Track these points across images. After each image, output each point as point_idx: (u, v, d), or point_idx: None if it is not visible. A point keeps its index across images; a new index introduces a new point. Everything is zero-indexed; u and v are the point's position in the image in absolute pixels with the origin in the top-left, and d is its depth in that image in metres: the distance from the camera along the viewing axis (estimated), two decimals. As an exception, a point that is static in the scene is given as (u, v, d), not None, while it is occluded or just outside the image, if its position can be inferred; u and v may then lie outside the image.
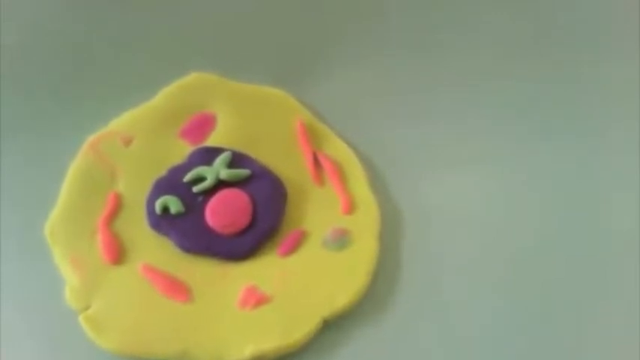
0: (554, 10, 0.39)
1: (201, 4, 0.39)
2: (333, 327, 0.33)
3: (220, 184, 0.35)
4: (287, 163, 0.36)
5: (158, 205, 0.35)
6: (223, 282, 0.34)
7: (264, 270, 0.34)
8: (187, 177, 0.35)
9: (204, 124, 0.37)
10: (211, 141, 0.37)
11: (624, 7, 0.38)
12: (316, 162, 0.36)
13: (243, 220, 0.34)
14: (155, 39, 0.39)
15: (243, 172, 0.35)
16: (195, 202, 0.35)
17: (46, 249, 0.35)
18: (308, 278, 0.34)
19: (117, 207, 0.35)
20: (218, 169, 0.35)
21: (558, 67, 0.38)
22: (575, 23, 0.38)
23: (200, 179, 0.35)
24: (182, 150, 0.37)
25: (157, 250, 0.34)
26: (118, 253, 0.34)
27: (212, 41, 0.39)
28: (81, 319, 0.33)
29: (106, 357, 0.33)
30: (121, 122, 0.37)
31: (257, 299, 0.33)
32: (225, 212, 0.35)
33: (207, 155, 0.36)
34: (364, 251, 0.34)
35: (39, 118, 0.38)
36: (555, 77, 0.38)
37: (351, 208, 0.35)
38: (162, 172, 0.36)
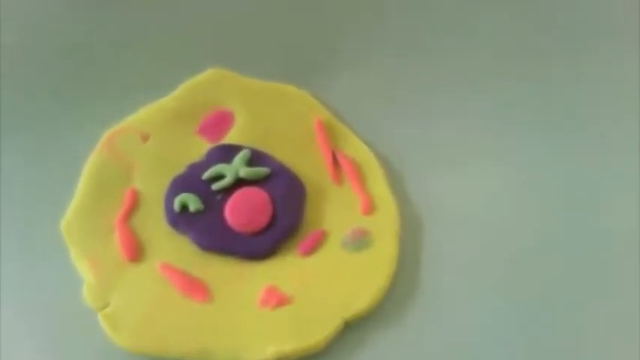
0: (555, 10, 0.39)
1: (214, 2, 0.38)
2: (353, 328, 0.33)
3: (239, 183, 0.35)
4: (305, 161, 0.36)
5: (177, 203, 0.34)
6: (242, 282, 0.33)
7: (284, 270, 0.34)
8: (206, 175, 0.35)
9: (221, 121, 0.37)
10: (229, 138, 0.36)
11: (625, 5, 0.38)
12: (335, 161, 0.36)
13: (263, 219, 0.34)
14: (170, 36, 0.38)
15: (263, 170, 0.35)
16: (213, 201, 0.35)
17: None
18: (328, 279, 0.33)
19: (134, 204, 0.35)
20: (237, 167, 0.35)
21: (561, 66, 0.38)
22: (576, 22, 0.38)
23: (219, 177, 0.35)
24: (200, 147, 0.36)
25: (175, 249, 0.34)
26: (136, 251, 0.34)
27: (226, 38, 0.38)
28: (100, 317, 0.33)
29: (121, 355, 0.32)
30: (138, 118, 0.37)
31: (278, 299, 0.33)
32: (244, 211, 0.34)
33: (226, 153, 0.36)
34: (384, 252, 0.34)
35: (40, 117, 0.37)
36: (561, 77, 0.38)
37: (370, 208, 0.35)
38: (179, 169, 0.36)
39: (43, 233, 0.35)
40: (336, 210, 0.35)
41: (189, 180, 0.35)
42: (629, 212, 0.35)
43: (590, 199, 0.35)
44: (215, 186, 0.35)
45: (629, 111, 0.37)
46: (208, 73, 0.38)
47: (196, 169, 0.35)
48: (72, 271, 0.34)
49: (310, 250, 0.34)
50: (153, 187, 0.35)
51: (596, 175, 0.36)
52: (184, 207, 0.35)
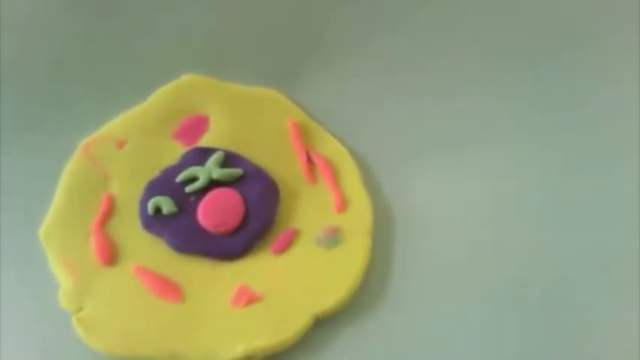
0: (551, 6, 0.38)
1: (190, 7, 0.39)
2: (324, 325, 0.33)
3: (213, 184, 0.35)
4: (280, 162, 0.36)
5: (150, 206, 0.35)
6: (215, 282, 0.34)
7: (256, 269, 0.34)
8: (180, 177, 0.35)
9: (196, 125, 0.37)
10: (204, 142, 0.37)
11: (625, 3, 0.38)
12: (309, 161, 0.36)
13: (235, 220, 0.34)
14: (146, 42, 0.39)
15: (236, 171, 0.35)
16: (187, 203, 0.35)
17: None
18: (299, 276, 0.33)
19: (110, 209, 0.36)
20: (210, 169, 0.35)
21: (554, 66, 0.38)
22: (573, 18, 0.38)
23: (193, 179, 0.35)
24: (175, 151, 0.37)
25: (149, 251, 0.35)
26: (111, 255, 0.34)
27: (203, 43, 0.39)
28: (74, 320, 0.33)
29: (99, 358, 0.33)
30: (114, 126, 0.37)
31: (248, 298, 0.33)
32: (216, 212, 0.35)
33: (200, 155, 0.36)
34: (356, 249, 0.34)
35: (17, 126, 0.38)
36: (551, 77, 0.37)
37: (343, 205, 0.35)
38: (155, 173, 0.36)
39: (22, 239, 0.35)
40: (309, 208, 0.35)
41: (163, 183, 0.36)
42: (627, 211, 0.34)
43: (582, 199, 0.35)
44: (188, 188, 0.35)
45: (627, 105, 0.36)
46: (183, 79, 0.38)
47: (171, 172, 0.36)
48: (51, 276, 0.35)
49: (282, 248, 0.34)
50: (129, 191, 0.36)
51: (590, 173, 0.35)
52: (158, 210, 0.35)
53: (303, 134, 0.37)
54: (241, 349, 0.32)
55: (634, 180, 0.34)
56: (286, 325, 0.32)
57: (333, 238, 0.34)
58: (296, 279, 0.33)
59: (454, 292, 0.33)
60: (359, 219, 0.35)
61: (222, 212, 0.35)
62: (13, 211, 0.36)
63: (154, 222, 0.35)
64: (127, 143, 0.37)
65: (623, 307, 0.32)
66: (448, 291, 0.33)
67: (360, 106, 0.38)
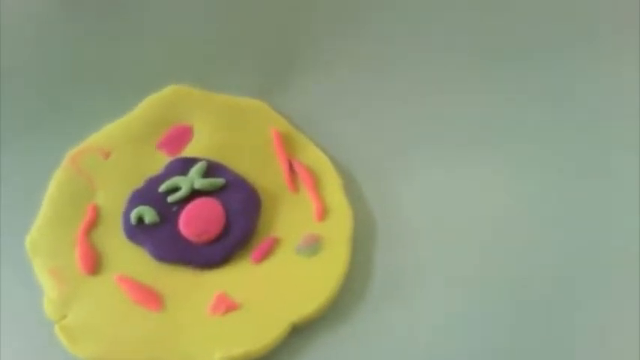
0: (549, 3, 0.38)
1: (176, 18, 0.39)
2: (302, 333, 0.33)
3: (195, 194, 0.36)
4: (263, 171, 0.37)
5: (133, 216, 0.35)
6: (196, 290, 0.34)
7: (236, 277, 0.34)
8: (162, 187, 0.36)
9: (181, 135, 0.38)
10: (188, 152, 0.37)
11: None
12: (292, 170, 0.37)
13: (216, 229, 0.35)
14: (132, 53, 0.39)
15: (218, 181, 0.36)
16: (169, 212, 0.35)
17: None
18: (278, 284, 0.34)
19: (95, 219, 0.36)
20: (192, 179, 0.36)
21: (554, 65, 0.38)
22: (572, 14, 0.38)
23: (175, 189, 0.36)
24: (160, 161, 0.37)
25: (132, 261, 0.35)
26: (94, 264, 0.35)
27: (189, 54, 0.39)
28: (57, 328, 0.34)
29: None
30: (100, 136, 0.38)
31: (227, 306, 0.33)
32: (197, 221, 0.35)
33: (183, 165, 0.36)
34: (335, 257, 0.34)
35: (4, 136, 0.38)
36: (547, 74, 0.37)
37: (324, 214, 0.35)
38: (139, 183, 0.36)
39: (9, 248, 0.36)
40: (291, 217, 0.36)
41: (147, 193, 0.36)
42: (624, 210, 0.34)
43: (570, 200, 0.35)
44: (171, 198, 0.36)
45: (624, 107, 0.36)
46: (169, 90, 0.39)
47: (154, 182, 0.36)
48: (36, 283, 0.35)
49: (262, 257, 0.35)
50: (113, 201, 0.36)
51: (584, 174, 0.35)
52: (141, 219, 0.35)
53: (286, 143, 0.37)
54: (219, 356, 0.32)
55: (634, 179, 0.34)
56: (264, 332, 0.32)
57: (313, 246, 0.35)
58: (275, 287, 0.34)
59: (433, 299, 0.33)
60: (339, 227, 0.35)
61: (203, 221, 0.35)
62: (0, 219, 0.37)
63: (137, 232, 0.35)
64: (113, 153, 0.38)
65: (623, 306, 0.32)
66: (427, 299, 0.33)
67: (343, 115, 0.38)
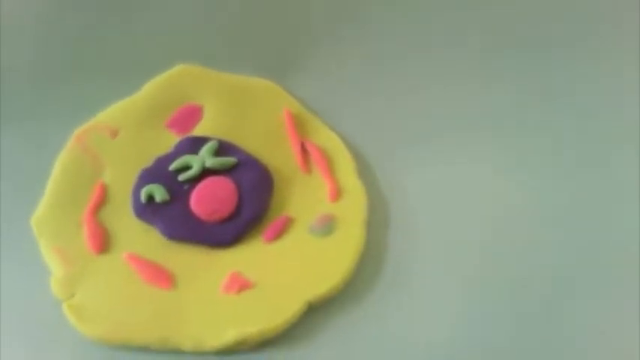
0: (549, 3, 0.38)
1: None
2: (317, 311, 0.32)
3: (206, 173, 0.35)
4: (274, 151, 0.36)
5: (143, 194, 0.35)
6: (208, 269, 0.33)
7: (249, 256, 0.34)
8: (173, 166, 0.35)
9: (191, 115, 0.37)
10: (198, 131, 0.37)
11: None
12: (304, 150, 0.36)
13: (228, 208, 0.34)
14: (141, 32, 0.39)
15: (229, 160, 0.35)
16: (180, 191, 0.35)
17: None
18: (293, 263, 0.33)
19: (103, 197, 0.35)
20: (204, 158, 0.35)
21: (554, 61, 0.37)
22: (574, 8, 0.38)
23: (186, 168, 0.35)
24: (169, 141, 0.36)
25: (142, 239, 0.34)
26: (103, 243, 0.34)
27: (198, 33, 0.39)
28: (64, 307, 0.33)
29: (90, 345, 0.32)
30: (108, 115, 0.37)
31: (240, 285, 0.33)
32: (209, 200, 0.34)
33: (194, 144, 0.36)
34: (350, 237, 0.34)
35: (11, 115, 0.38)
36: (552, 67, 0.37)
37: (338, 194, 0.35)
38: (148, 162, 0.36)
39: (16, 227, 0.35)
40: (304, 197, 0.35)
41: (156, 172, 0.35)
42: (623, 210, 0.34)
43: (583, 196, 0.34)
44: (182, 177, 0.35)
45: (624, 104, 0.36)
46: (177, 69, 0.38)
47: (164, 161, 0.36)
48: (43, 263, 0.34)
49: (275, 236, 0.34)
50: (122, 180, 0.36)
51: (588, 170, 0.35)
52: (151, 198, 0.35)
53: (298, 124, 0.37)
54: (232, 334, 0.31)
55: (634, 178, 0.34)
56: (278, 311, 0.32)
57: (327, 226, 0.34)
58: (289, 266, 0.33)
59: (446, 280, 0.33)
60: (353, 208, 0.35)
61: (215, 200, 0.34)
62: (5, 198, 0.36)
63: (147, 210, 0.35)
64: (121, 132, 0.37)
65: (623, 307, 0.32)
66: (440, 279, 0.33)
67: (356, 96, 0.38)
